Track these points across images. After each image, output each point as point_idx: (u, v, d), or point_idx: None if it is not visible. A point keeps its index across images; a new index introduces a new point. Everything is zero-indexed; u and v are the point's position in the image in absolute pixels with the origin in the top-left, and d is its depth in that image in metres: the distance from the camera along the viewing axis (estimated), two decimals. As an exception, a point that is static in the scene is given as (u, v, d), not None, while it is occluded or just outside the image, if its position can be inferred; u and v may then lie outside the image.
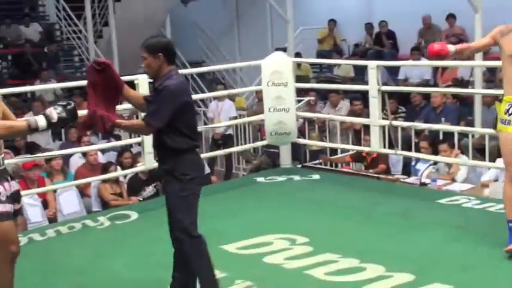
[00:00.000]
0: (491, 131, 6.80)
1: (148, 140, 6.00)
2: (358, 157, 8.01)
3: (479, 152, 7.62)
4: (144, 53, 3.75)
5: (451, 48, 4.54)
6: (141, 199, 7.16)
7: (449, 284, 4.01)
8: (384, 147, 6.78)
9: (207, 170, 8.25)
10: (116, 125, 3.78)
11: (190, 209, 3.76)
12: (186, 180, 3.73)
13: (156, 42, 3.79)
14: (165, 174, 3.80)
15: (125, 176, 7.38)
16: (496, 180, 6.58)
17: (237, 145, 10.04)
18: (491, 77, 9.93)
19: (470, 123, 8.63)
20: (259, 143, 8.34)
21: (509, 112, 4.42)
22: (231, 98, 11.00)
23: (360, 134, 8.74)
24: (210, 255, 3.81)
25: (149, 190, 7.27)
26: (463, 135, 7.58)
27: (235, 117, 10.25)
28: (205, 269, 3.80)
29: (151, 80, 3.97)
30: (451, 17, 11.71)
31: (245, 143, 10.17)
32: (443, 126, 7.42)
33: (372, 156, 7.68)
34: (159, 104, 3.67)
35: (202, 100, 13.59)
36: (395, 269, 4.25)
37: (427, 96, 9.44)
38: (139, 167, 6.91)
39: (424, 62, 10.23)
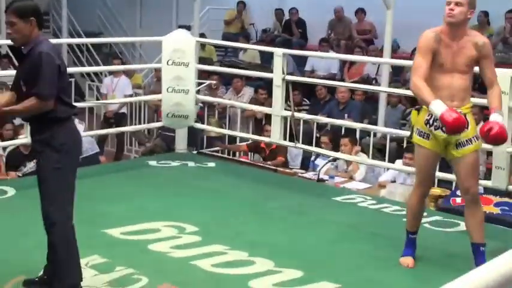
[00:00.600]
0: (393, 130, 7.09)
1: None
2: (255, 147, 8.11)
3: (379, 152, 7.88)
4: (12, 17, 3.61)
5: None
6: (21, 175, 6.96)
7: (337, 283, 4.13)
8: (285, 139, 6.90)
9: (96, 148, 8.13)
10: (8, 113, 3.73)
11: (65, 184, 3.67)
12: (64, 152, 3.65)
13: (27, 5, 3.68)
14: (41, 145, 3.69)
15: (4, 149, 7.16)
16: (393, 181, 6.84)
17: (131, 125, 9.95)
18: (396, 76, 10.30)
19: (374, 122, 8.90)
20: (154, 124, 8.31)
21: (430, 123, 4.23)
22: (128, 74, 10.87)
23: (261, 124, 8.85)
24: (77, 244, 3.75)
25: (30, 166, 7.07)
26: (365, 133, 7.81)
27: (131, 95, 10.15)
28: (69, 259, 3.71)
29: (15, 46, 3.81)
30: (360, 12, 11.97)
31: (139, 124, 10.09)
32: (345, 122, 7.62)
33: (271, 148, 7.79)
34: (44, 73, 3.58)
35: (96, 74, 13.36)
36: (284, 265, 4.34)
37: (332, 91, 9.67)
38: (20, 140, 6.72)
39: (332, 54, 10.46)
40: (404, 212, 5.45)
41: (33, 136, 3.80)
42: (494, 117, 4.08)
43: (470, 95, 4.35)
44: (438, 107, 3.98)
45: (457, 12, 4.12)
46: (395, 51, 10.84)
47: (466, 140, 4.22)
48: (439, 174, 6.18)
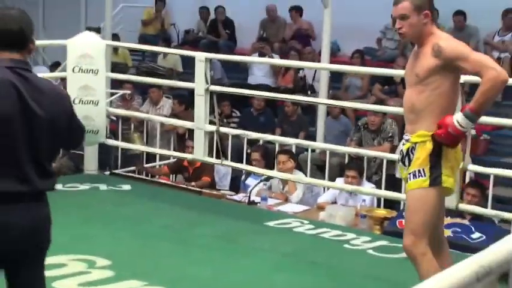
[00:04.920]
0: (333, 146, 7.18)
1: None
2: (178, 167, 8.12)
3: (319, 169, 7.98)
4: None
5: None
6: None
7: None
8: (210, 156, 6.93)
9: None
10: None
11: None
12: None
13: None
14: None
15: None
16: (334, 202, 6.94)
17: (32, 143, 9.82)
18: (336, 83, 10.45)
19: (312, 135, 9.00)
20: (59, 142, 8.22)
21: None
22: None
23: (183, 139, 8.86)
24: None
25: None
26: (302, 147, 7.89)
27: (32, 109, 10.02)
28: None
29: None
30: (295, 11, 12.10)
31: (42, 141, 9.97)
32: (279, 138, 7.70)
33: (195, 166, 7.82)
34: None
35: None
36: (210, 301, 4.38)
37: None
38: None
39: (264, 59, 10.46)
40: (345, 237, 5.59)
41: None
42: (453, 116, 3.82)
43: (431, 120, 3.88)
44: None
45: (406, 28, 3.92)
46: (335, 54, 11.03)
47: (409, 174, 3.98)
48: (385, 193, 6.33)
